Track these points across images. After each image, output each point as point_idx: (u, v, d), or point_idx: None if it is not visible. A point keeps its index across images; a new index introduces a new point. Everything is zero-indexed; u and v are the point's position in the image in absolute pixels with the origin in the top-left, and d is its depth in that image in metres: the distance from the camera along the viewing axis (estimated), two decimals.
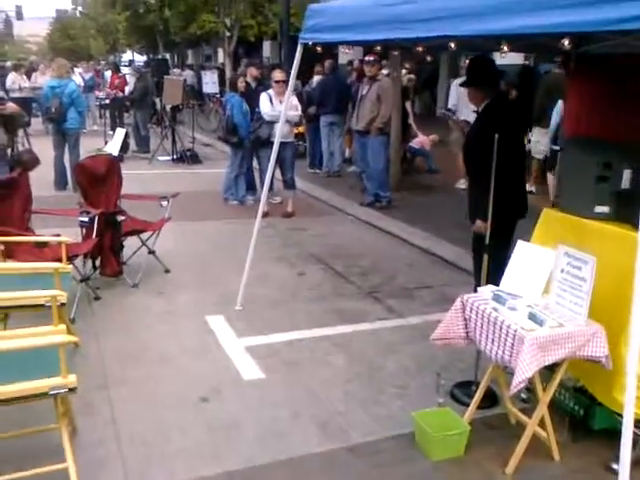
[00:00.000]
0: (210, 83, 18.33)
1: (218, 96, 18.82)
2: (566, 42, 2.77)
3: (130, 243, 5.78)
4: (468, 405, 3.51)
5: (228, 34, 19.77)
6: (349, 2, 4.14)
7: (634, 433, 3.16)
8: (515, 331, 2.82)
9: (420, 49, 4.38)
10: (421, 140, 11.00)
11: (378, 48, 4.95)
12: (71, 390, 2.74)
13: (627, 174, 3.06)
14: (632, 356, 2.36)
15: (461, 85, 4.23)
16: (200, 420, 3.49)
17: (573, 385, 3.43)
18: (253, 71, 9.32)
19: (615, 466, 3.04)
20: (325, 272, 6.09)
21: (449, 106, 10.18)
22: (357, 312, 5.08)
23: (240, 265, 5.23)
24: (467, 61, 4.49)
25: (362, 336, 4.63)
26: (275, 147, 4.96)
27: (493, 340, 2.97)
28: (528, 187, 9.86)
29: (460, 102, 9.93)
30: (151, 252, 5.82)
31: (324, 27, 4.17)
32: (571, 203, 3.29)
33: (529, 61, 12.89)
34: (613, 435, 3.28)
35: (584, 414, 3.36)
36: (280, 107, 7.58)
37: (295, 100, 7.84)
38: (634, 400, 2.74)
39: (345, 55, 15.25)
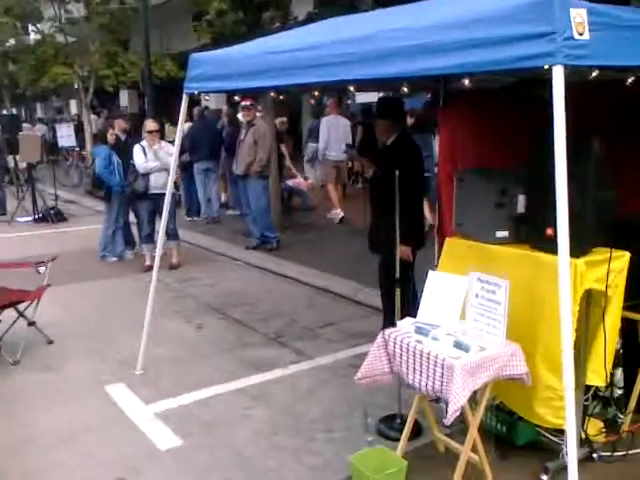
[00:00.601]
0: (66, 136, 17.45)
1: (77, 149, 17.98)
2: (466, 81, 2.92)
3: (6, 316, 5.25)
4: (395, 439, 3.51)
5: (83, 85, 19.02)
6: (233, 51, 4.13)
7: (556, 443, 3.34)
8: (444, 360, 2.87)
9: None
10: (298, 181, 11.20)
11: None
12: None
13: (521, 199, 3.27)
14: (567, 374, 2.47)
15: (376, 117, 4.41)
16: None
17: (492, 403, 3.56)
18: (122, 123, 9.01)
19: (544, 477, 3.20)
20: (225, 322, 5.91)
21: (320, 143, 10.48)
22: (266, 359, 4.95)
23: (133, 325, 4.94)
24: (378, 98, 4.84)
25: (277, 384, 4.51)
26: (167, 198, 4.75)
27: (421, 372, 3.00)
28: None
29: (330, 139, 10.32)
30: (31, 324, 5.33)
31: (210, 76, 4.11)
32: (473, 230, 3.45)
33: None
34: (536, 448, 3.45)
35: (507, 431, 3.49)
36: (153, 158, 7.41)
37: (170, 147, 7.64)
38: (558, 411, 2.89)
39: (206, 102, 15.25)
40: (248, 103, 8.08)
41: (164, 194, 7.42)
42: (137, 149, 7.56)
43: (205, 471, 3.44)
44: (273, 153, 8.84)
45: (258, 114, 8.59)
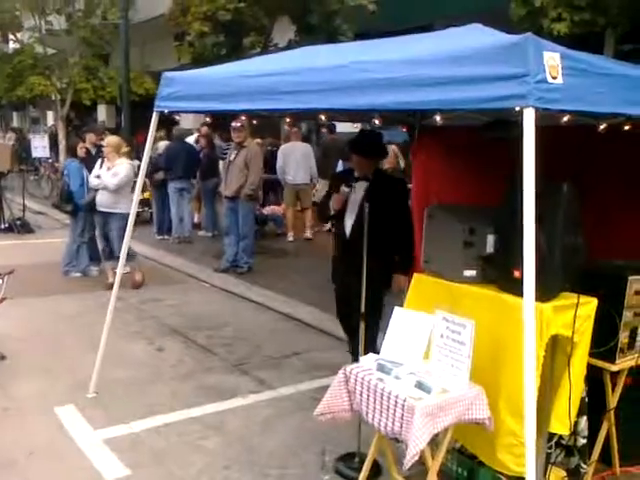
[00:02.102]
0: (40, 147, 17.18)
1: (50, 161, 17.72)
2: (437, 117, 2.89)
3: None
4: (353, 479, 3.40)
5: (60, 97, 18.83)
6: (206, 72, 4.08)
7: None
8: (404, 401, 2.78)
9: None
10: (272, 208, 11.19)
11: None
12: None
13: (490, 239, 3.23)
14: (529, 424, 2.40)
15: (359, 154, 4.34)
16: None
17: (453, 446, 3.47)
18: (92, 137, 8.91)
19: None
20: (186, 346, 5.75)
21: (278, 169, 10.63)
22: (226, 388, 4.80)
23: (90, 345, 4.77)
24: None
25: (235, 414, 4.37)
26: (131, 217, 4.62)
27: (381, 412, 2.91)
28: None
29: (286, 165, 10.51)
30: None
31: (181, 96, 4.03)
32: (441, 267, 3.40)
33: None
34: None
35: (468, 476, 3.40)
36: (105, 173, 7.28)
37: (120, 169, 7.41)
38: (519, 458, 2.81)
39: (186, 119, 15.20)
40: (239, 124, 7.96)
41: (110, 213, 7.36)
42: (98, 163, 7.49)
43: None
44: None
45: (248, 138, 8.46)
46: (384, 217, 3.95)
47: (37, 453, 3.76)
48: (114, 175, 7.25)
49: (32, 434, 3.99)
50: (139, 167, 7.40)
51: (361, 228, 3.79)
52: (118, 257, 7.56)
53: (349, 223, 4.36)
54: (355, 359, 3.63)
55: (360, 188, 4.29)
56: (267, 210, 11.15)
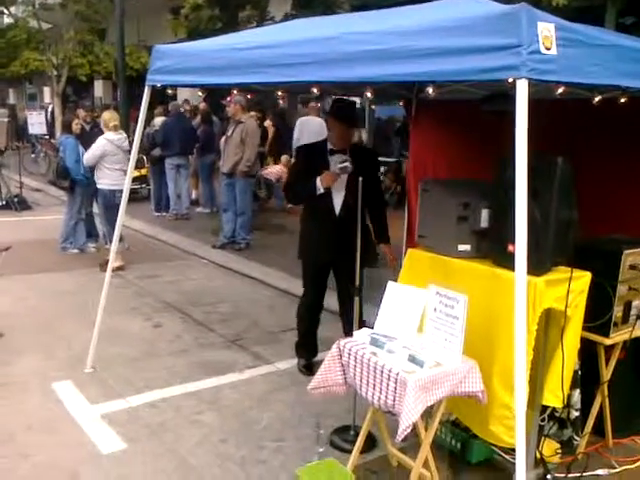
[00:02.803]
0: (36, 124, 17.07)
1: (47, 137, 17.60)
2: (430, 90, 2.86)
3: None
4: (348, 451, 3.43)
5: (56, 73, 18.63)
6: (198, 44, 4.03)
7: (509, 461, 3.29)
8: (397, 374, 2.79)
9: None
10: (269, 170, 11.00)
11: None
12: None
13: (485, 213, 3.21)
14: (519, 395, 2.41)
15: (340, 123, 4.20)
16: None
17: (447, 419, 3.50)
18: (81, 113, 8.84)
19: None
20: (184, 322, 5.77)
21: (294, 140, 10.45)
22: (223, 363, 4.83)
23: (88, 321, 4.78)
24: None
25: (231, 388, 4.39)
26: (124, 195, 4.60)
27: (375, 385, 2.92)
28: None
29: (302, 137, 10.30)
30: None
31: (173, 69, 3.98)
32: (435, 242, 3.39)
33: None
34: (490, 466, 3.40)
35: (461, 448, 3.43)
36: None
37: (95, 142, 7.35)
38: (512, 430, 2.82)
39: (183, 95, 15.06)
40: (228, 99, 7.94)
41: (97, 188, 7.34)
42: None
43: (147, 479, 3.30)
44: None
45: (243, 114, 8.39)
46: (365, 190, 3.78)
47: (35, 428, 3.79)
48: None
49: (30, 409, 4.02)
50: (130, 140, 7.37)
51: (354, 204, 3.76)
52: (97, 235, 7.67)
53: (338, 199, 4.24)
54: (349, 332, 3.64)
55: (340, 161, 4.17)
56: (264, 172, 10.93)
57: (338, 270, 4.45)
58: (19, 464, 3.40)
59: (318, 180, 4.16)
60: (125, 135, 7.47)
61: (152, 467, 3.41)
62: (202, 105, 11.29)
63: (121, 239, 7.54)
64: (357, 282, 3.71)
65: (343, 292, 4.46)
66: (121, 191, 7.01)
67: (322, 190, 4.18)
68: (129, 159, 6.96)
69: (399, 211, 5.14)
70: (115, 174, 7.19)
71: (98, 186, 7.31)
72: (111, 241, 7.10)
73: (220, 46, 3.62)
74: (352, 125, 4.32)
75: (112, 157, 7.15)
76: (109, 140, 7.15)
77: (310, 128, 10.43)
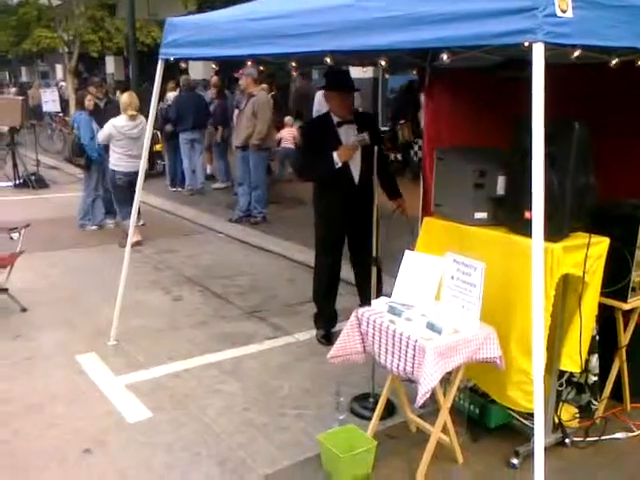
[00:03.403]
0: (50, 101, 17.10)
1: (61, 115, 17.65)
2: (445, 56, 2.83)
3: None
4: (368, 418, 3.49)
5: (67, 50, 18.60)
6: (210, 16, 4.00)
7: (527, 426, 3.34)
8: (415, 342, 2.83)
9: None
10: (284, 137, 11.01)
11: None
12: None
13: (501, 180, 3.21)
14: (537, 357, 2.44)
15: (340, 91, 4.24)
16: (85, 477, 3.14)
17: (465, 385, 3.54)
18: (92, 90, 8.81)
19: (515, 461, 3.19)
20: (203, 295, 5.84)
21: (315, 111, 10.65)
22: (242, 334, 4.91)
23: (109, 296, 4.86)
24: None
25: (252, 359, 4.47)
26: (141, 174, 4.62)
27: (393, 353, 2.96)
28: None
29: (322, 108, 10.34)
30: (3, 290, 5.25)
31: (186, 42, 3.97)
32: (451, 210, 3.39)
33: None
34: (509, 431, 3.45)
35: (480, 413, 3.48)
36: None
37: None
38: (530, 395, 2.85)
39: (196, 69, 14.99)
40: (240, 72, 7.90)
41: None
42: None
43: (171, 446, 3.40)
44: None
45: (255, 87, 8.35)
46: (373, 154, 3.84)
47: (61, 398, 3.90)
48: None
49: (56, 381, 4.13)
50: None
51: (370, 172, 3.79)
52: (115, 211, 7.72)
53: (356, 169, 4.29)
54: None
55: (351, 131, 4.23)
56: (285, 142, 10.92)
57: (354, 240, 4.47)
58: (49, 432, 3.51)
59: (335, 155, 4.17)
60: (138, 122, 7.26)
61: (177, 434, 3.51)
62: (214, 79, 11.23)
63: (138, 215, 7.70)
64: (374, 252, 3.73)
65: (360, 263, 4.49)
66: (121, 173, 7.13)
67: (340, 164, 4.18)
68: (139, 145, 7.10)
69: (400, 180, 5.13)
70: (116, 156, 7.18)
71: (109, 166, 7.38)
72: (123, 218, 7.23)
73: (232, 17, 3.60)
74: (350, 91, 4.32)
75: (117, 141, 7.13)
76: (114, 125, 7.12)
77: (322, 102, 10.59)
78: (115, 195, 7.43)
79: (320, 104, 10.30)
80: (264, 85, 8.74)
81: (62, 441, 3.43)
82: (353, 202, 4.27)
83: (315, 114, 10.60)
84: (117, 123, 7.13)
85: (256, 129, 8.18)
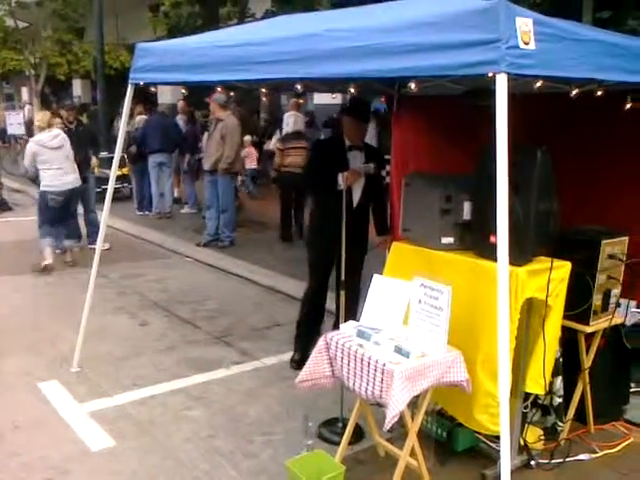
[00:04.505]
0: (15, 124, 16.95)
1: (26, 137, 17.41)
2: (412, 85, 2.90)
3: None
4: (336, 443, 3.47)
5: (34, 72, 18.43)
6: (181, 42, 4.03)
7: (493, 449, 3.36)
8: (384, 365, 2.84)
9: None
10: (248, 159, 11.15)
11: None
12: None
13: (467, 206, 3.27)
14: (503, 380, 2.47)
15: (358, 120, 4.45)
16: None
17: (433, 408, 3.56)
18: (64, 114, 8.76)
19: None
20: (169, 320, 5.77)
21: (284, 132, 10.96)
22: (210, 359, 4.85)
23: (73, 321, 4.77)
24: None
25: (219, 384, 4.42)
26: (109, 191, 4.57)
27: (362, 377, 2.96)
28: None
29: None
30: None
31: (157, 67, 3.98)
32: (418, 235, 3.44)
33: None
34: (476, 454, 3.47)
35: (447, 436, 3.49)
36: None
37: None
38: (496, 418, 2.89)
39: (165, 94, 15.01)
40: (208, 98, 8.01)
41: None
42: None
43: (137, 473, 3.32)
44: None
45: (223, 112, 8.41)
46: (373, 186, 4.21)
47: (23, 427, 3.79)
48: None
49: (17, 409, 4.01)
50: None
51: (366, 199, 4.23)
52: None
53: (356, 195, 4.40)
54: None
55: (359, 157, 4.39)
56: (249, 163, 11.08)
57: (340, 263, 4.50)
58: (10, 462, 3.40)
59: (340, 177, 4.20)
60: (55, 133, 7.15)
61: (142, 463, 3.43)
62: (180, 103, 11.27)
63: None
64: (342, 276, 3.75)
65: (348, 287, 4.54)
66: (55, 193, 7.03)
67: (343, 187, 4.20)
68: (65, 156, 7.07)
69: None
70: (47, 175, 7.02)
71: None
72: (41, 236, 7.19)
73: (203, 43, 3.63)
74: (367, 121, 4.56)
75: (41, 157, 6.99)
76: (33, 142, 7.06)
77: (298, 123, 10.94)
78: (45, 216, 7.23)
79: (289, 125, 10.54)
80: (230, 110, 8.81)
81: (24, 471, 3.33)
82: (350, 225, 4.30)
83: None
84: (35, 139, 7.10)
85: (224, 153, 8.21)
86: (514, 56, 2.24)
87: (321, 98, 11.28)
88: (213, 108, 8.39)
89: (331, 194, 4.26)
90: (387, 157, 5.06)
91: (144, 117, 10.91)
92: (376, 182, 4.50)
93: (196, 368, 4.67)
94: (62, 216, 7.35)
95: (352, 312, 4.28)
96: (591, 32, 2.83)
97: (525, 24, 2.26)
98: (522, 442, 3.41)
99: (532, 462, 3.40)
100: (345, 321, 4.43)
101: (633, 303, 3.80)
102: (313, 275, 4.71)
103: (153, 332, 5.44)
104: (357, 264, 4.34)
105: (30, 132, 17.69)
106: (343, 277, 3.75)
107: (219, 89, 5.27)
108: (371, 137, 10.61)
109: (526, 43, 2.25)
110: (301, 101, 11.62)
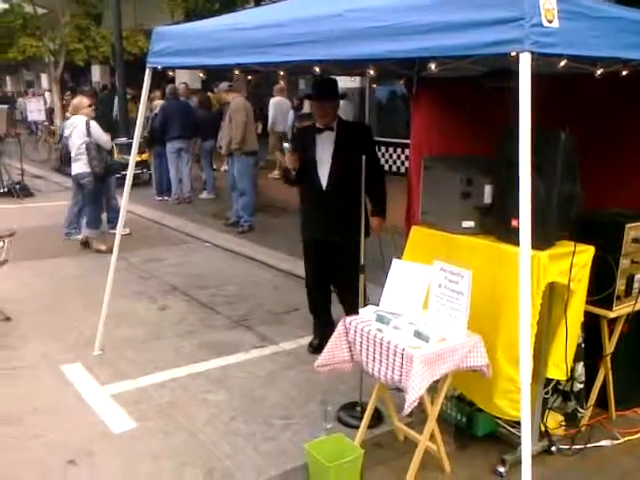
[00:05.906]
0: (35, 111, 17.07)
1: (47, 124, 17.57)
2: (432, 66, 2.85)
3: None
4: (355, 427, 3.48)
5: (53, 59, 18.52)
6: (197, 25, 4.00)
7: (514, 434, 3.34)
8: (403, 350, 2.83)
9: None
10: None
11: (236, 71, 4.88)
12: None
13: (488, 189, 3.23)
14: (524, 366, 2.45)
15: (321, 99, 4.29)
16: None
17: (453, 394, 3.54)
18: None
19: (501, 469, 3.19)
20: (189, 304, 5.81)
21: (270, 119, 12.11)
22: (229, 343, 4.88)
23: (94, 305, 4.82)
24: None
25: (238, 368, 4.44)
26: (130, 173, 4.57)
27: (381, 361, 2.96)
28: None
29: (277, 116, 11.98)
30: None
31: (174, 51, 3.97)
32: (438, 219, 3.41)
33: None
34: (496, 439, 3.45)
35: (467, 422, 3.48)
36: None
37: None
38: (517, 404, 2.86)
39: (182, 78, 14.99)
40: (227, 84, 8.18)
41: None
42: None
43: (157, 456, 3.36)
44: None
45: (232, 94, 8.42)
46: (357, 164, 3.72)
47: (46, 409, 3.84)
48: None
49: (40, 392, 4.07)
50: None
51: (343, 178, 3.98)
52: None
53: (323, 175, 4.32)
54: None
55: (327, 138, 4.29)
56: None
57: (332, 248, 4.46)
58: (32, 443, 3.46)
59: (286, 162, 4.37)
60: (70, 122, 7.48)
61: (163, 444, 3.47)
62: (182, 87, 11.39)
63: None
64: (362, 260, 3.73)
65: (338, 274, 4.52)
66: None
67: (292, 171, 4.36)
68: (71, 145, 7.20)
69: None
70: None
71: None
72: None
73: (221, 26, 3.60)
74: (328, 100, 4.31)
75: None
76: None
77: (283, 108, 11.56)
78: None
79: (274, 116, 10.73)
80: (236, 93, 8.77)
81: (46, 452, 3.39)
82: (322, 206, 4.34)
83: (270, 120, 11.55)
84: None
85: (231, 135, 8.22)
86: (538, 34, 2.18)
87: (340, 81, 11.22)
88: (221, 96, 8.54)
89: (304, 177, 4.39)
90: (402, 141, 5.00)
91: (161, 102, 10.91)
92: (358, 160, 3.71)
93: (216, 352, 4.70)
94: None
95: (345, 297, 4.39)
96: (615, 9, 2.74)
97: (549, 2, 2.20)
98: (543, 428, 3.39)
99: (553, 448, 3.37)
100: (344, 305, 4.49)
101: None
102: (304, 257, 4.75)
103: (173, 316, 5.48)
104: (351, 248, 3.97)
105: (50, 119, 17.90)
106: (362, 261, 3.72)
107: (236, 72, 5.24)
108: (346, 114, 10.50)
109: (550, 21, 2.19)
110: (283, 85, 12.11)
